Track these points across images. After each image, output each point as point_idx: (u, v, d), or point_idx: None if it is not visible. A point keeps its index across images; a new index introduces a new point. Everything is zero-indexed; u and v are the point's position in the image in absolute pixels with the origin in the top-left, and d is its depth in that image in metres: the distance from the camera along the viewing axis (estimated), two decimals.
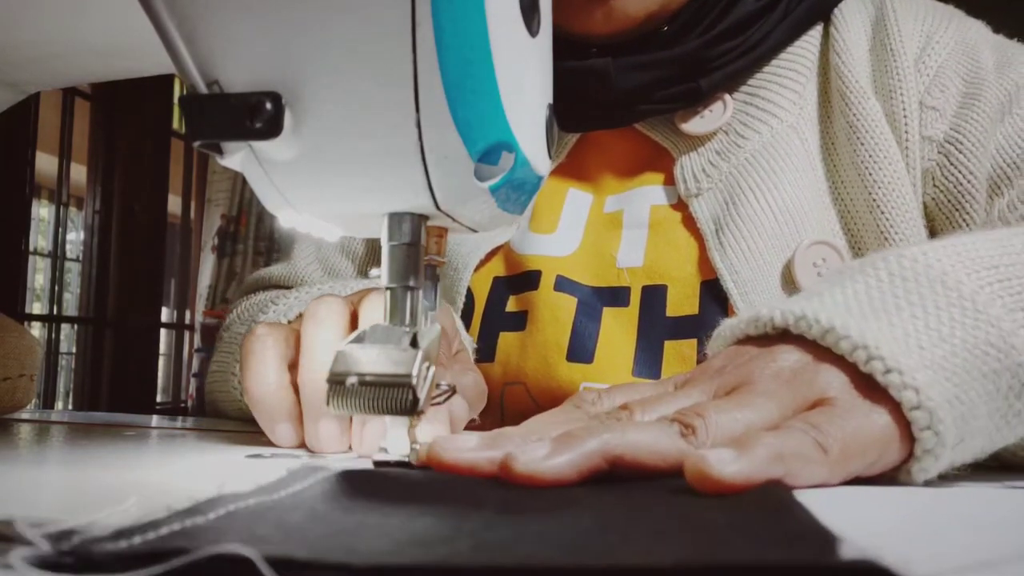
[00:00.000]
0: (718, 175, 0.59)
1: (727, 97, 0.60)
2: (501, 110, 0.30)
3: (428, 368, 0.31)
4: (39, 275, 3.32)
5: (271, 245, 3.55)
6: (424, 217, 0.32)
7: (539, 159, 0.33)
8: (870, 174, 0.56)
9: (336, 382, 0.30)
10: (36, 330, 2.79)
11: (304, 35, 0.28)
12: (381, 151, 0.29)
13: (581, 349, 0.56)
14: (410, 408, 0.30)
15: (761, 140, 0.59)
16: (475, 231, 0.34)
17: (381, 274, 0.33)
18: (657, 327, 0.56)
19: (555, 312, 0.58)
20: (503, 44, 0.29)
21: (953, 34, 0.60)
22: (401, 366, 0.30)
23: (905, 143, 0.57)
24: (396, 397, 0.30)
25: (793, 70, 0.61)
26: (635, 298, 0.58)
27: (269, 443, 0.41)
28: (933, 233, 0.58)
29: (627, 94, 0.59)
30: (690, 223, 0.58)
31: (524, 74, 0.32)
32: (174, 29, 0.29)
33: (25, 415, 0.54)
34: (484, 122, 0.29)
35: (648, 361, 0.56)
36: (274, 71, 0.29)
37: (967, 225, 0.56)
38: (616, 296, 0.58)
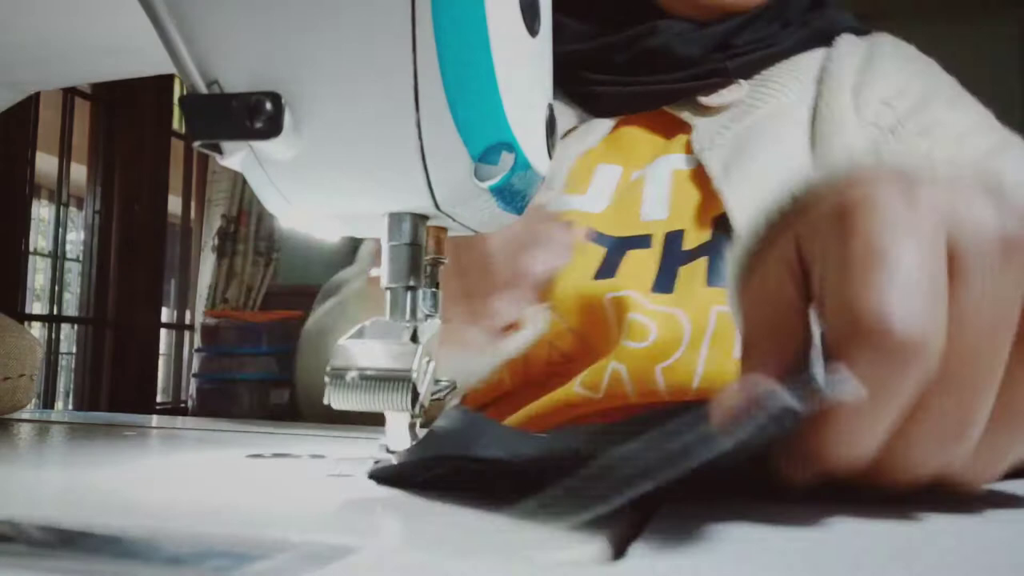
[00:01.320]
0: (730, 134, 0.67)
1: (742, 81, 0.71)
2: (501, 110, 0.30)
3: (428, 363, 0.31)
4: (39, 275, 3.32)
5: (271, 245, 3.56)
6: (424, 217, 0.32)
7: (539, 159, 0.33)
8: (829, 151, 0.65)
9: (336, 376, 0.30)
10: (36, 330, 2.79)
11: (304, 35, 0.28)
12: (381, 151, 0.29)
13: (606, 272, 0.63)
14: (410, 403, 0.30)
15: (768, 110, 0.69)
16: (475, 231, 0.34)
17: (381, 274, 0.33)
18: (674, 258, 0.63)
19: (585, 255, 0.63)
20: (503, 44, 0.29)
21: (924, 83, 0.71)
22: (401, 361, 0.30)
23: (857, 125, 0.67)
24: (396, 392, 0.30)
25: (799, 68, 0.72)
26: (657, 242, 0.64)
27: (269, 443, 0.41)
28: None
29: (679, 60, 0.69)
30: (705, 179, 0.65)
31: (524, 74, 0.32)
32: (174, 29, 0.29)
33: (25, 415, 0.54)
34: (484, 122, 0.29)
35: (664, 282, 0.62)
36: (274, 71, 0.29)
37: None
38: (640, 241, 0.65)
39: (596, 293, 0.62)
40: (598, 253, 0.64)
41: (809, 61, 0.72)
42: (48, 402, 2.79)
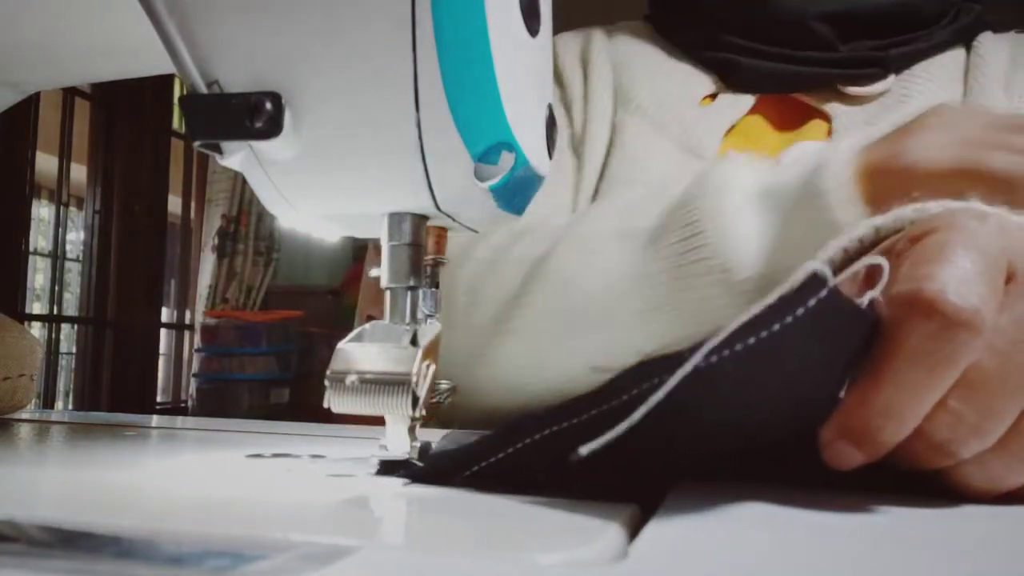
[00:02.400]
0: (883, 125, 0.66)
1: (890, 75, 0.66)
2: (501, 110, 0.30)
3: (428, 367, 0.31)
4: (39, 275, 3.32)
5: (271, 245, 3.56)
6: (424, 217, 0.32)
7: (539, 159, 0.33)
8: None
9: (336, 380, 0.30)
10: (36, 330, 2.79)
11: (304, 35, 0.28)
12: (381, 151, 0.29)
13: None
14: (410, 407, 0.30)
15: (922, 102, 0.64)
16: (475, 231, 0.34)
17: (381, 274, 0.33)
18: None
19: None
20: (503, 44, 0.29)
21: None
22: (401, 364, 0.30)
23: None
24: (396, 395, 0.30)
25: (947, 61, 0.68)
26: None
27: (269, 443, 0.41)
28: None
29: (815, 32, 0.65)
30: None
31: (524, 74, 0.32)
32: (174, 29, 0.29)
33: (25, 415, 0.54)
34: (484, 122, 0.29)
35: None
36: (274, 71, 0.29)
37: None
38: None
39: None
40: None
41: (951, 59, 0.69)
42: (48, 402, 2.80)
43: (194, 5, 0.29)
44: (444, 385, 0.34)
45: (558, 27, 0.39)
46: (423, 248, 0.33)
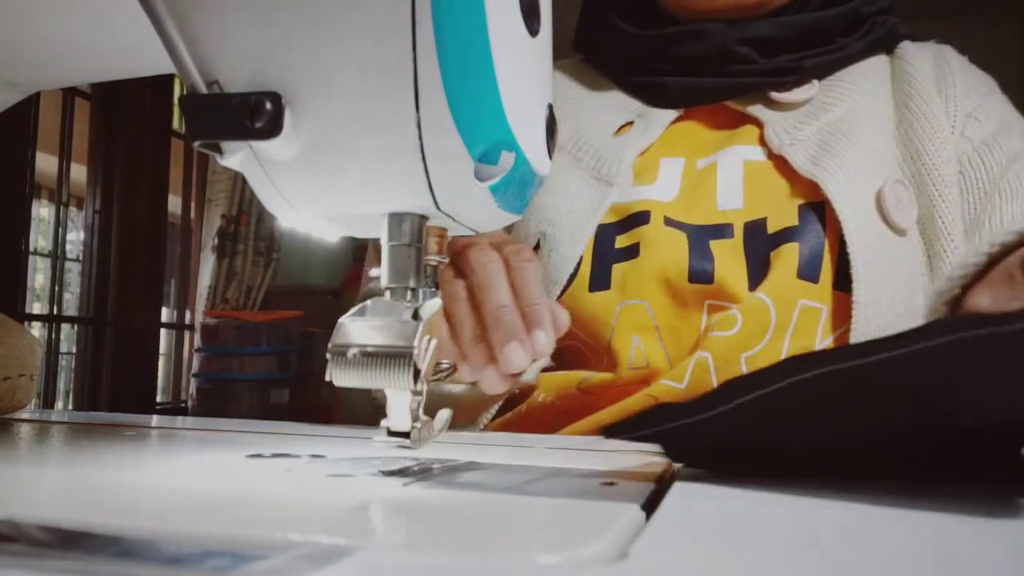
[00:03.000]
0: (809, 131, 0.67)
1: (814, 80, 0.71)
2: (501, 110, 0.30)
3: (429, 341, 0.31)
4: (39, 275, 3.32)
5: (271, 245, 3.56)
6: (424, 217, 0.32)
7: (539, 159, 0.33)
8: (923, 146, 0.66)
9: (338, 353, 0.30)
10: (36, 330, 2.79)
11: (304, 35, 0.28)
12: (381, 151, 0.29)
13: (700, 272, 0.62)
14: (411, 380, 0.30)
15: (847, 108, 0.69)
16: (475, 231, 0.34)
17: (381, 274, 0.33)
18: (761, 245, 0.63)
19: (669, 242, 0.63)
20: (503, 44, 0.29)
21: (988, 85, 0.73)
22: (402, 338, 0.30)
23: (954, 136, 0.68)
24: (397, 368, 0.30)
25: (869, 70, 0.72)
26: (738, 232, 0.64)
27: (269, 443, 0.41)
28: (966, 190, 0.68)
29: (737, 54, 0.69)
30: (784, 170, 0.65)
31: (524, 74, 0.32)
32: (174, 29, 0.29)
33: (25, 415, 0.54)
34: (484, 122, 0.29)
35: (757, 274, 0.62)
36: (274, 71, 0.29)
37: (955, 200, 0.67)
38: (720, 231, 0.64)
39: (695, 300, 0.61)
40: (680, 240, 0.63)
41: (875, 65, 0.73)
42: (48, 402, 2.79)
43: (194, 5, 0.29)
44: (445, 363, 0.35)
45: (558, 27, 0.39)
46: (423, 248, 0.33)
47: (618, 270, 0.63)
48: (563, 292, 0.64)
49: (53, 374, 2.89)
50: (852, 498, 0.28)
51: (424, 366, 0.30)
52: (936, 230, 0.64)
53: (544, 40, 0.34)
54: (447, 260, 0.34)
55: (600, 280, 0.64)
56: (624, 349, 0.61)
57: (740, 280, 0.61)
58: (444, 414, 0.35)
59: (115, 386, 2.90)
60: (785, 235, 0.62)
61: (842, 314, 0.59)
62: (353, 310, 0.32)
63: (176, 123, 3.20)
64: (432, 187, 0.30)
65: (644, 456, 0.37)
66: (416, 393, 0.32)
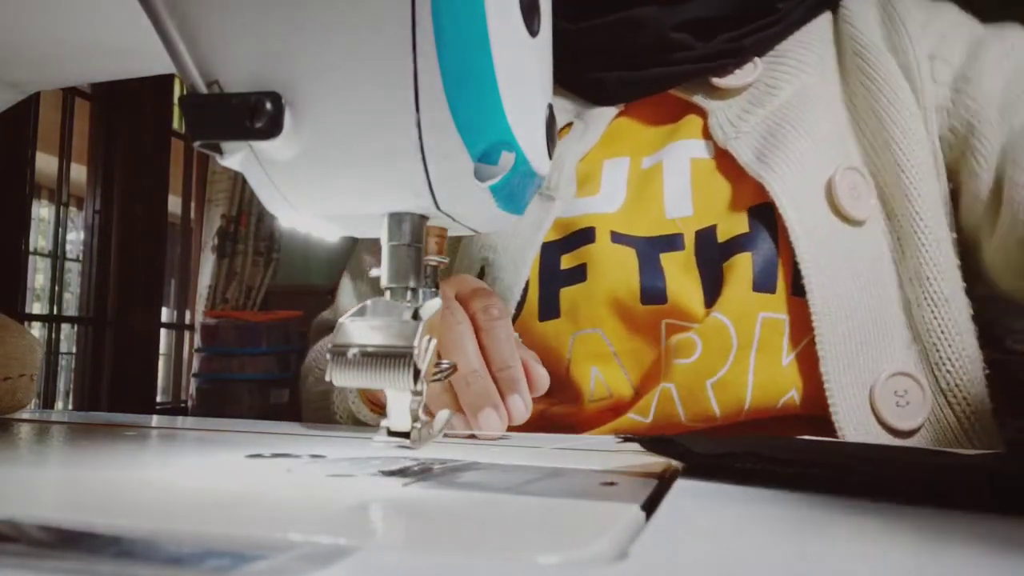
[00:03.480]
0: (754, 120, 0.64)
1: (756, 59, 0.67)
2: (501, 110, 0.30)
3: (429, 341, 0.31)
4: (39, 275, 3.32)
5: (271, 245, 3.56)
6: (424, 217, 0.32)
7: (539, 159, 0.33)
8: (888, 116, 0.62)
9: (338, 353, 0.30)
10: (36, 330, 2.79)
11: (304, 35, 0.28)
12: (381, 151, 0.29)
13: (653, 291, 0.59)
14: (411, 380, 0.30)
15: (791, 91, 0.65)
16: (475, 231, 0.34)
17: (381, 274, 0.33)
18: (713, 256, 0.60)
19: (618, 262, 0.60)
20: (503, 44, 0.29)
21: (950, 14, 0.68)
22: (402, 338, 0.30)
23: (920, 88, 0.63)
24: (397, 368, 0.30)
25: (812, 39, 0.68)
26: (689, 242, 0.61)
27: (269, 443, 0.41)
28: (951, 161, 0.63)
29: (673, 42, 0.65)
30: (731, 169, 0.62)
31: (524, 74, 0.32)
32: (174, 29, 0.29)
33: (25, 415, 0.54)
34: (484, 122, 0.29)
35: (712, 289, 0.59)
36: (274, 71, 0.29)
37: (981, 144, 0.61)
38: (671, 242, 0.61)
39: (651, 321, 0.58)
40: (629, 257, 0.60)
41: (818, 31, 0.69)
42: (48, 402, 2.79)
43: (194, 5, 0.29)
44: (445, 363, 0.35)
45: None
46: (423, 248, 0.33)
47: (566, 296, 0.60)
48: (513, 321, 0.60)
49: (53, 374, 2.89)
50: (852, 497, 0.28)
51: (424, 366, 0.30)
52: (905, 209, 0.60)
53: (544, 40, 0.34)
54: (447, 260, 0.34)
55: (549, 308, 0.60)
56: (583, 381, 0.58)
57: (695, 297, 0.58)
58: (444, 414, 0.35)
59: (115, 386, 2.90)
60: (736, 244, 0.59)
61: (803, 323, 0.56)
62: (352, 310, 0.32)
63: (176, 123, 3.20)
64: (432, 187, 0.30)
65: (644, 456, 0.37)
66: (416, 393, 0.32)
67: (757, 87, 0.66)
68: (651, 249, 0.61)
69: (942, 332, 0.58)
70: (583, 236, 0.62)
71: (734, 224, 0.60)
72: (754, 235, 0.59)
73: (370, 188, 0.31)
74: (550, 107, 0.35)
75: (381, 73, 0.28)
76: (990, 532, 0.24)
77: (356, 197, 0.31)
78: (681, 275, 0.59)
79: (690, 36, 0.65)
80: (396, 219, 0.32)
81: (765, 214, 0.59)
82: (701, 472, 0.33)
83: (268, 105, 0.29)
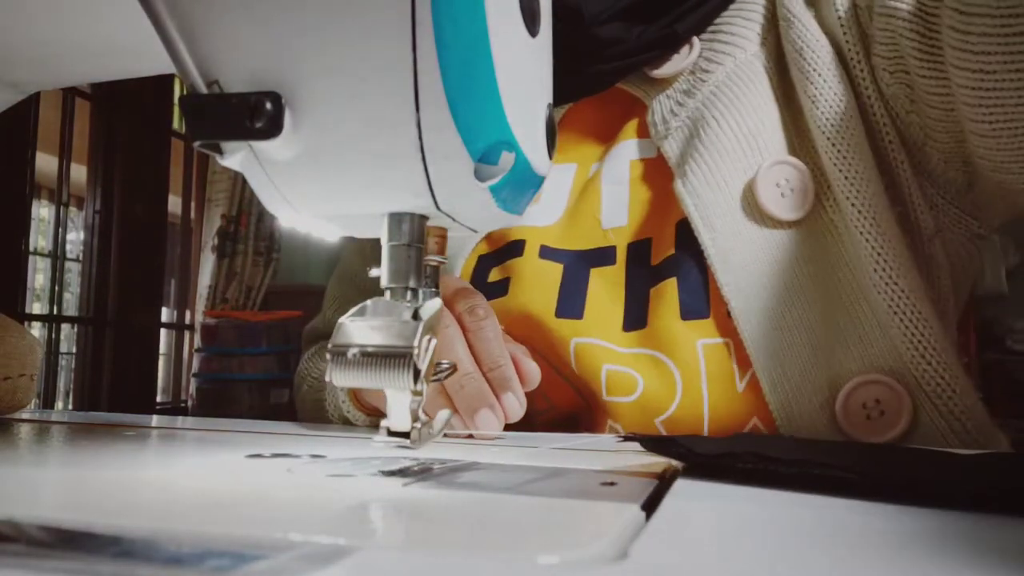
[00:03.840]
0: (685, 112, 0.59)
1: (695, 39, 0.62)
2: (501, 110, 0.30)
3: (429, 341, 0.31)
4: (39, 275, 3.32)
5: (271, 245, 3.56)
6: (424, 217, 0.32)
7: (539, 159, 0.33)
8: (808, 92, 0.55)
9: (338, 353, 0.30)
10: (36, 330, 2.79)
11: (304, 35, 0.28)
12: (381, 151, 0.29)
13: (570, 306, 0.56)
14: (411, 380, 0.30)
15: (724, 71, 0.60)
16: (475, 231, 0.34)
17: (381, 274, 0.33)
18: (643, 278, 0.56)
19: (540, 277, 0.57)
20: (503, 44, 0.29)
21: None
22: (402, 338, 0.30)
23: (849, 48, 0.55)
24: (397, 368, 0.30)
25: (751, 8, 0.62)
26: (621, 255, 0.58)
27: (269, 443, 0.41)
28: (902, 95, 0.55)
29: (601, 39, 0.60)
30: (665, 171, 0.58)
31: (524, 74, 0.32)
32: (174, 29, 0.29)
33: (25, 415, 0.54)
34: (484, 122, 0.29)
35: (636, 313, 0.56)
36: (274, 71, 0.29)
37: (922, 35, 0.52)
38: (603, 256, 0.58)
39: (561, 337, 0.55)
40: (554, 275, 0.57)
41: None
42: (48, 402, 2.79)
43: (194, 5, 0.29)
44: (445, 364, 0.35)
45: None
46: (423, 248, 0.33)
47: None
48: None
49: (53, 374, 2.89)
50: (853, 496, 0.28)
51: (424, 366, 0.30)
52: (840, 199, 0.52)
53: (544, 40, 0.34)
54: (447, 260, 0.34)
55: None
56: (532, 399, 0.56)
57: (614, 317, 0.55)
58: (444, 414, 0.35)
59: (115, 386, 2.90)
60: (665, 268, 0.55)
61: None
62: (353, 310, 0.32)
63: (176, 123, 3.20)
64: (432, 187, 0.30)
65: (644, 456, 0.37)
66: (416, 393, 0.32)
67: (693, 71, 0.61)
68: (581, 264, 0.58)
69: (907, 328, 0.50)
70: (512, 249, 0.60)
71: (664, 243, 0.56)
72: (680, 257, 0.55)
73: (370, 188, 0.31)
74: (550, 107, 0.35)
75: (381, 73, 0.28)
76: (990, 532, 0.24)
77: (356, 197, 0.31)
78: (604, 293, 0.56)
79: (622, 26, 0.60)
80: (396, 219, 0.32)
81: (691, 229, 0.55)
82: (701, 472, 0.33)
83: (268, 105, 0.29)
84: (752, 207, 0.54)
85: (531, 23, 0.32)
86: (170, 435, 0.48)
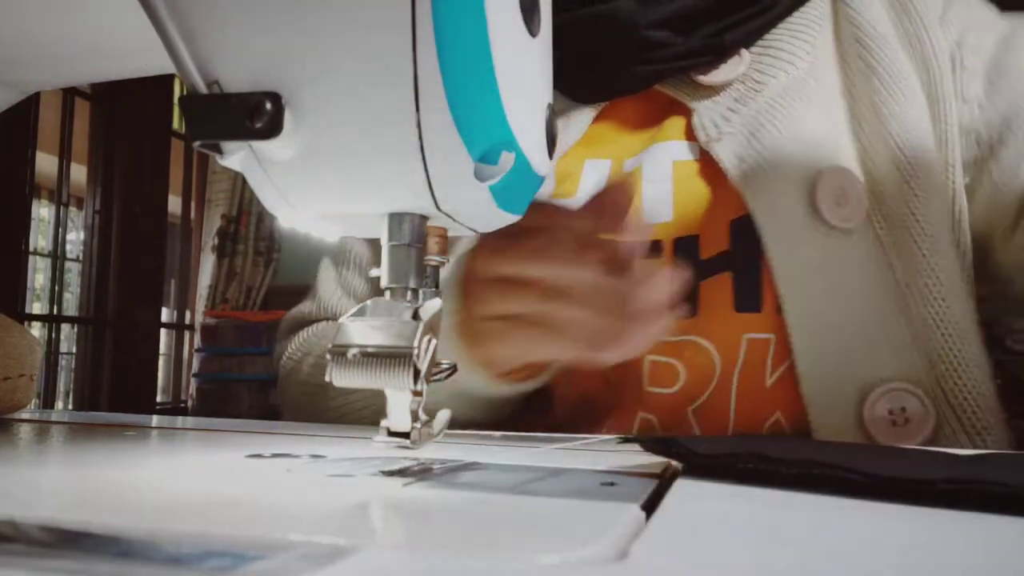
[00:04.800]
0: (738, 119, 0.60)
1: (743, 51, 0.63)
2: (501, 110, 0.30)
3: (430, 341, 0.31)
4: (39, 275, 3.32)
5: (271, 245, 3.56)
6: (424, 217, 0.32)
7: (539, 159, 0.33)
8: (887, 109, 0.59)
9: (338, 354, 0.30)
10: (36, 330, 2.79)
11: (304, 35, 0.28)
12: (381, 151, 0.29)
13: None
14: (411, 381, 0.30)
15: (779, 85, 0.61)
16: (475, 231, 0.34)
17: (381, 274, 0.33)
18: (692, 271, 0.57)
19: None
20: (503, 44, 0.29)
21: (965, 5, 0.64)
22: (403, 339, 0.30)
23: (938, 78, 0.59)
24: (397, 369, 0.30)
25: (804, 24, 0.64)
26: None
27: (269, 443, 0.41)
28: (975, 158, 0.59)
29: (651, 41, 0.61)
30: (714, 172, 0.59)
31: (524, 74, 0.32)
32: (174, 29, 0.29)
33: (25, 415, 0.54)
34: (484, 122, 0.29)
35: (684, 303, 0.56)
36: (274, 71, 0.29)
37: (1016, 146, 0.58)
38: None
39: None
40: None
41: (813, 11, 0.64)
42: (48, 402, 2.79)
43: (194, 5, 0.29)
44: (445, 364, 0.35)
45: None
46: (423, 248, 0.33)
47: None
48: None
49: (53, 374, 2.89)
50: (853, 497, 0.28)
51: (424, 366, 0.30)
52: (901, 210, 0.56)
53: (544, 40, 0.34)
54: (447, 261, 0.34)
55: None
56: (561, 390, 0.57)
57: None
58: (444, 414, 0.35)
59: (115, 386, 2.90)
60: (718, 262, 0.57)
61: (788, 341, 0.54)
62: (353, 310, 0.32)
63: (176, 123, 3.20)
64: (432, 187, 0.30)
65: (644, 456, 0.37)
66: (416, 394, 0.32)
67: (743, 81, 0.62)
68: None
69: (945, 343, 0.54)
70: None
71: (716, 239, 0.57)
72: (736, 253, 0.57)
73: (370, 188, 0.31)
74: (550, 107, 0.35)
75: (381, 73, 0.28)
76: (990, 532, 0.24)
77: (356, 197, 0.31)
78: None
79: (670, 33, 0.62)
80: (396, 219, 0.32)
81: (748, 227, 0.56)
82: (701, 472, 0.33)
83: (268, 105, 0.29)
84: (811, 212, 0.56)
85: (531, 23, 0.32)
86: (170, 435, 0.48)
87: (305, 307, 0.77)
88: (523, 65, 0.31)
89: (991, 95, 0.59)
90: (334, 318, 0.71)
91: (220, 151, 0.31)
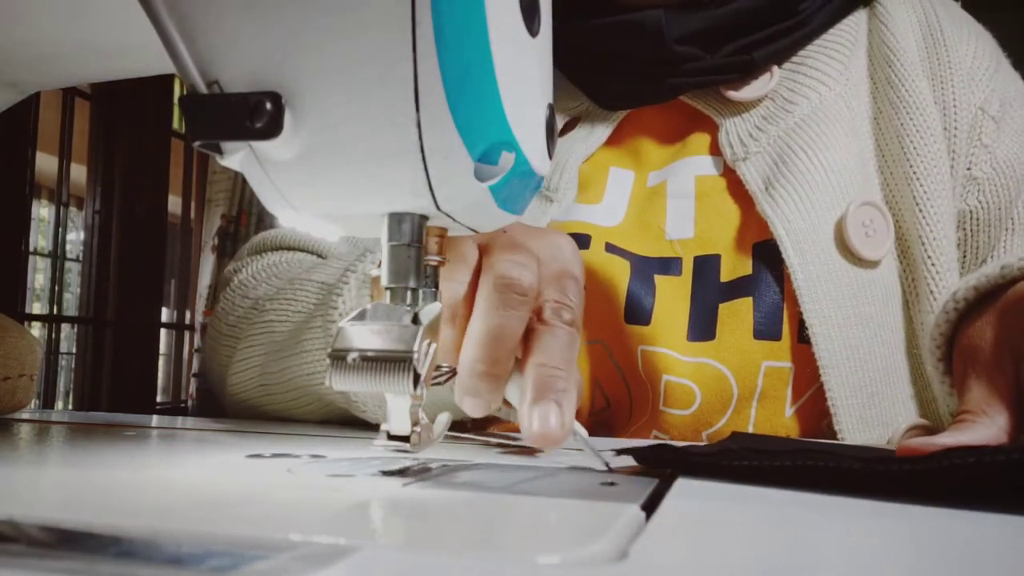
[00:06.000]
0: (766, 139, 0.59)
1: (774, 68, 0.62)
2: (501, 110, 0.30)
3: (429, 345, 0.31)
4: (39, 275, 3.32)
5: None
6: (424, 217, 0.32)
7: (539, 159, 0.33)
8: (912, 145, 0.58)
9: (337, 358, 0.30)
10: (36, 330, 2.79)
11: (304, 35, 0.28)
12: (381, 151, 0.29)
13: (638, 311, 0.56)
14: (411, 385, 0.30)
15: (810, 106, 0.60)
16: (475, 231, 0.34)
17: (381, 274, 0.33)
18: (710, 293, 0.56)
19: (608, 272, 0.57)
20: (503, 44, 0.29)
21: (1004, 66, 0.64)
22: (402, 343, 0.30)
23: (954, 130, 0.60)
24: (396, 373, 0.30)
25: (839, 43, 0.63)
26: (687, 268, 0.58)
27: (269, 443, 0.41)
28: (974, 218, 0.61)
29: (678, 55, 0.60)
30: (738, 191, 0.58)
31: (524, 74, 0.32)
32: (174, 29, 0.29)
33: (25, 415, 0.54)
34: (484, 122, 0.29)
35: (702, 326, 0.56)
36: (274, 71, 0.29)
37: (1010, 241, 0.60)
38: (667, 266, 0.58)
39: (627, 343, 0.55)
40: (622, 270, 0.57)
41: (848, 28, 0.64)
42: (48, 402, 2.79)
43: (194, 5, 0.29)
44: (445, 367, 0.35)
45: None
46: (423, 248, 0.33)
47: None
48: None
49: (53, 374, 2.89)
50: (853, 497, 0.28)
51: (423, 370, 0.30)
52: (918, 250, 0.57)
53: (544, 40, 0.34)
54: (447, 260, 0.34)
55: None
56: (587, 390, 0.56)
57: (679, 328, 0.55)
58: (443, 418, 0.35)
59: (115, 386, 2.89)
60: (739, 287, 0.56)
61: (809, 371, 0.54)
62: (352, 315, 0.32)
63: (176, 123, 3.20)
64: (432, 187, 0.30)
65: None
66: (416, 398, 0.32)
67: (773, 99, 0.61)
68: (647, 267, 0.58)
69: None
70: (578, 242, 0.58)
71: (738, 263, 0.56)
72: (758, 278, 0.56)
73: (370, 188, 0.31)
74: (550, 107, 0.35)
75: (381, 73, 0.28)
76: (989, 531, 0.24)
77: (356, 197, 0.31)
78: (671, 302, 0.56)
79: (697, 48, 0.60)
80: (396, 219, 0.32)
81: (771, 253, 0.56)
82: (701, 472, 0.33)
83: (268, 105, 0.29)
84: (840, 243, 0.56)
85: (531, 23, 0.32)
86: (170, 435, 0.48)
87: (287, 231, 0.70)
88: (523, 65, 0.31)
89: (996, 182, 0.60)
90: (318, 249, 0.66)
91: (220, 151, 0.31)
